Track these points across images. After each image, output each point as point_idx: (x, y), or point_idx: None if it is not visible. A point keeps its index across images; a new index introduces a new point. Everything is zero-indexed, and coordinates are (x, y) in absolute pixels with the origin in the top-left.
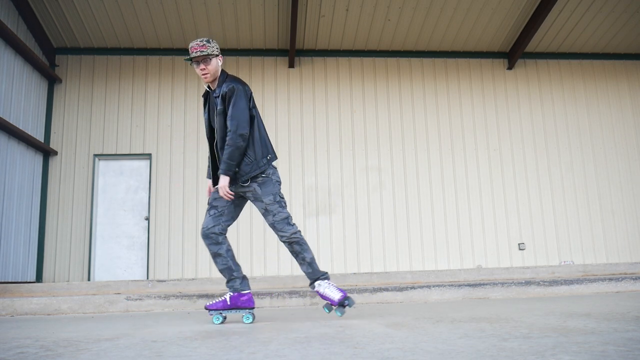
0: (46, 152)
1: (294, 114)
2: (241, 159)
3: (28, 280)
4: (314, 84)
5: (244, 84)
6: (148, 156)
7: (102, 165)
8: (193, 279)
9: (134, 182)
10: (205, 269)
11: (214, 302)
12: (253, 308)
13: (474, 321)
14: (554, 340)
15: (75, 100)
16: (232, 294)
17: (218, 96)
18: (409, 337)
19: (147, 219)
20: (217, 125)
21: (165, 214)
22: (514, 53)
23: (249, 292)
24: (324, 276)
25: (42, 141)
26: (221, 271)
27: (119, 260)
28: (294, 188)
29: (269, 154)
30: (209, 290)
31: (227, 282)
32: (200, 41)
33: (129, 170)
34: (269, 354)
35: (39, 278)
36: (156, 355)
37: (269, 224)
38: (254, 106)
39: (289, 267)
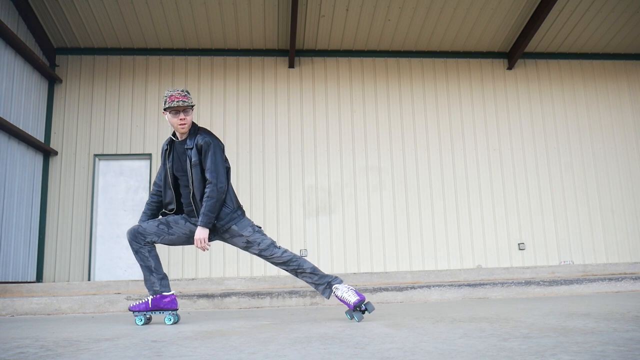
0: (46, 152)
1: (294, 114)
2: (220, 211)
3: (28, 280)
4: (314, 84)
5: (217, 138)
6: (148, 156)
7: (102, 165)
8: (193, 279)
9: (134, 182)
10: (205, 269)
11: (137, 303)
12: (176, 309)
13: (474, 321)
14: (553, 340)
15: (75, 100)
16: (153, 296)
17: (191, 148)
18: (409, 337)
19: None
20: (192, 177)
21: None
22: (514, 53)
23: (172, 294)
24: (337, 280)
25: (42, 141)
26: (141, 267)
27: (119, 260)
28: (294, 188)
29: (240, 205)
30: (208, 290)
31: (145, 281)
32: (182, 91)
33: (129, 170)
34: (269, 354)
35: (39, 278)
36: (156, 355)
37: (257, 254)
38: (226, 159)
39: None
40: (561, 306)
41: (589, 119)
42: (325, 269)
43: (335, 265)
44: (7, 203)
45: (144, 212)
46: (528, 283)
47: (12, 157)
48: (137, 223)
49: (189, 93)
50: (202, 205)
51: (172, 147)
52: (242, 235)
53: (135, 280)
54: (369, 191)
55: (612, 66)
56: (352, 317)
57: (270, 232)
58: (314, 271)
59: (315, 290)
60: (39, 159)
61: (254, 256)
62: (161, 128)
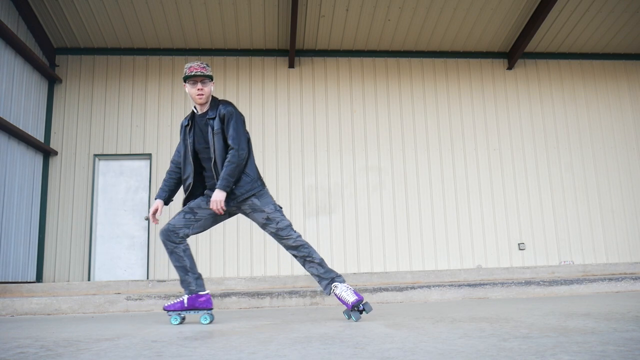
0: (46, 152)
1: (294, 114)
2: (239, 177)
3: (28, 280)
4: (314, 84)
5: (239, 110)
6: (148, 156)
7: (102, 165)
8: None
9: (134, 182)
10: (205, 269)
11: (172, 302)
12: (211, 309)
13: (474, 321)
14: (553, 340)
15: (75, 100)
16: (189, 295)
17: (214, 118)
18: (409, 337)
19: (147, 219)
20: (214, 145)
21: (165, 214)
22: (514, 53)
23: (207, 293)
24: (340, 278)
25: (42, 141)
26: (176, 268)
27: (119, 260)
28: (294, 188)
29: (261, 177)
30: (208, 290)
31: (181, 282)
32: (201, 63)
33: (129, 170)
34: (269, 354)
35: (39, 278)
36: (156, 355)
37: (272, 232)
38: (247, 131)
39: (289, 267)
40: (561, 306)
41: (589, 119)
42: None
43: (336, 265)
44: (7, 203)
45: (161, 188)
46: (528, 283)
47: (12, 157)
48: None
49: (208, 65)
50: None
51: (194, 122)
52: (264, 211)
53: (135, 281)
54: (369, 191)
55: (612, 66)
56: (349, 317)
57: None
58: (322, 263)
59: (318, 284)
60: (39, 159)
61: (254, 256)
62: (161, 128)
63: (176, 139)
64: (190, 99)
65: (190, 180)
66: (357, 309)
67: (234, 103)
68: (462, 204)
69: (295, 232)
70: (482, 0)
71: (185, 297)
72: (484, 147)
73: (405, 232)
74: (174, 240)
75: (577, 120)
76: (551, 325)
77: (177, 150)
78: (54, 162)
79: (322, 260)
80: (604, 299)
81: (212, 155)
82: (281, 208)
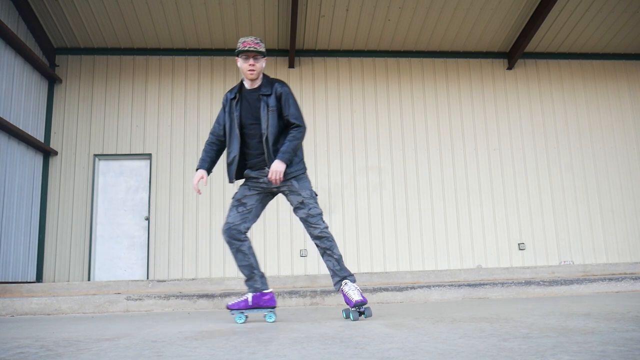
0: (46, 152)
1: None
2: (296, 152)
3: (28, 280)
4: (314, 84)
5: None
6: (148, 156)
7: (102, 165)
8: (193, 279)
9: (134, 182)
10: (205, 269)
11: (235, 301)
12: (275, 307)
13: (474, 321)
14: (553, 340)
15: (75, 100)
16: (253, 293)
17: (269, 94)
18: (409, 337)
19: (147, 219)
20: (268, 122)
21: (165, 214)
22: (514, 53)
23: (271, 292)
24: (351, 277)
25: (42, 141)
26: (241, 267)
27: (119, 260)
28: None
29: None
30: (208, 290)
31: (247, 280)
32: (255, 38)
33: (129, 170)
34: (269, 354)
35: (39, 278)
36: (156, 355)
37: (302, 217)
38: None
39: (289, 267)
40: (561, 306)
41: (589, 119)
42: (325, 269)
43: None
44: (7, 203)
45: (202, 159)
46: (528, 283)
47: (12, 157)
48: (225, 221)
49: (262, 42)
50: (275, 149)
51: (242, 96)
52: (300, 195)
53: (135, 281)
54: (369, 191)
55: (612, 66)
56: (347, 316)
57: (270, 232)
58: (340, 261)
59: (330, 278)
60: (39, 159)
61: None
62: (161, 128)
63: (176, 138)
64: (241, 73)
65: (235, 153)
66: (357, 309)
67: None
68: (462, 204)
69: (324, 222)
70: (482, 0)
71: (250, 296)
72: (484, 147)
73: (405, 232)
74: (239, 238)
75: (577, 120)
76: (551, 325)
77: (217, 122)
78: (54, 162)
79: (340, 257)
80: (604, 299)
81: (265, 132)
82: (317, 195)
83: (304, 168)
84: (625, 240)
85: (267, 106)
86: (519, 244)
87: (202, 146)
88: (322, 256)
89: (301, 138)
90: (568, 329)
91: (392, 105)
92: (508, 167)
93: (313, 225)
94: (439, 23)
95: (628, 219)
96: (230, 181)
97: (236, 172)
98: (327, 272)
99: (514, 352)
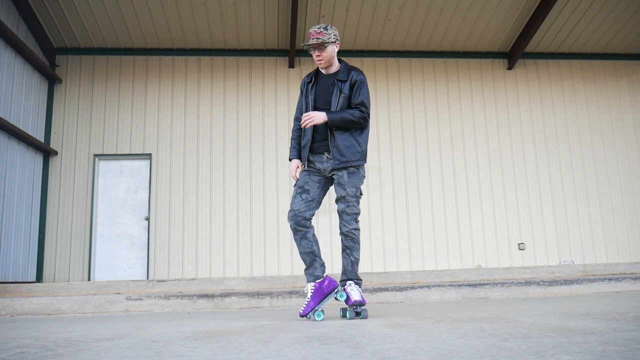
0: (46, 152)
1: (294, 114)
2: (349, 128)
3: (28, 280)
4: None
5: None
6: (148, 156)
7: (102, 165)
8: (193, 279)
9: (134, 182)
10: (205, 269)
11: (304, 306)
12: (338, 286)
13: (474, 321)
14: (553, 340)
15: (75, 100)
16: (313, 284)
17: (345, 80)
18: (409, 337)
19: (147, 219)
20: (337, 105)
21: (165, 214)
22: (514, 53)
23: (326, 276)
24: (359, 281)
25: (42, 141)
26: (304, 254)
27: (119, 260)
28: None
29: (366, 154)
30: (209, 290)
31: (307, 268)
32: (317, 28)
33: (129, 170)
34: (269, 354)
35: (39, 278)
36: (156, 355)
37: (339, 210)
38: None
39: (289, 267)
40: (561, 306)
41: (589, 119)
42: (326, 269)
43: (336, 265)
44: (7, 203)
45: (293, 147)
46: (528, 283)
47: (12, 157)
48: (293, 201)
49: (326, 29)
50: (338, 133)
51: (317, 80)
52: (345, 189)
53: (135, 281)
54: (369, 191)
55: (612, 66)
56: (343, 315)
57: (270, 232)
58: (355, 264)
59: (340, 275)
60: (39, 159)
61: (254, 256)
62: (161, 128)
63: (176, 138)
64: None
65: (309, 137)
66: (355, 308)
67: (235, 103)
68: (462, 203)
69: (356, 223)
70: (482, 0)
71: (310, 290)
72: (484, 147)
73: (405, 232)
74: (305, 225)
75: (577, 120)
76: (551, 325)
77: (298, 108)
78: (54, 162)
79: (357, 261)
80: (604, 299)
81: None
82: (361, 195)
83: (362, 160)
84: (625, 240)
85: (340, 91)
86: (519, 244)
87: (201, 146)
88: (342, 252)
89: (357, 117)
90: (568, 329)
91: (392, 105)
92: (508, 167)
93: (345, 223)
94: (439, 23)
95: (628, 219)
96: (304, 165)
97: (310, 151)
98: (326, 271)
99: (514, 352)
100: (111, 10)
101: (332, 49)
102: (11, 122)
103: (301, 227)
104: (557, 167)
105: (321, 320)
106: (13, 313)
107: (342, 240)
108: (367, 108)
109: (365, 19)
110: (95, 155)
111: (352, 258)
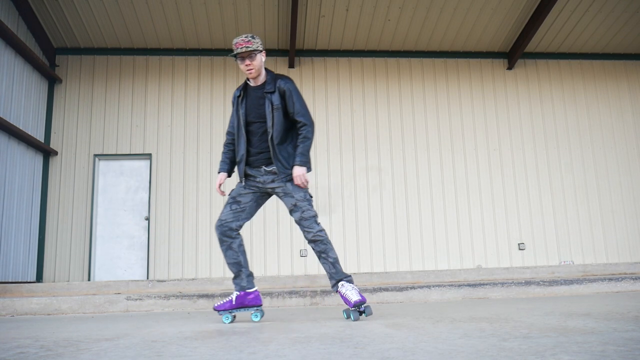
0: (46, 152)
1: None
2: (289, 157)
3: (28, 280)
4: (314, 84)
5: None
6: (148, 156)
7: (102, 165)
8: (193, 279)
9: (134, 182)
10: (205, 269)
11: (221, 302)
12: (260, 305)
13: (474, 321)
14: (553, 340)
15: (75, 100)
16: (238, 293)
17: (272, 92)
18: (409, 337)
19: (147, 219)
20: (273, 120)
21: (165, 214)
22: (514, 53)
23: (256, 290)
24: (348, 278)
25: (42, 141)
26: (230, 265)
27: (119, 260)
28: None
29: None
30: (209, 290)
31: (234, 278)
32: (245, 37)
33: (129, 170)
34: (269, 354)
35: (39, 278)
36: (156, 355)
37: (296, 220)
38: None
39: (289, 267)
40: (561, 306)
41: (589, 119)
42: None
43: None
44: (7, 203)
45: (222, 161)
46: (528, 283)
47: (12, 157)
48: (219, 216)
49: (254, 38)
50: (281, 148)
51: (246, 93)
52: (293, 197)
53: (135, 281)
54: (369, 191)
55: (612, 66)
56: (348, 316)
57: (270, 233)
58: (335, 263)
59: (329, 281)
60: (39, 159)
61: (254, 256)
62: (161, 128)
63: (176, 138)
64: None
65: (243, 152)
66: (357, 309)
67: None
68: (462, 203)
69: (317, 225)
70: (482, 0)
71: (234, 295)
72: (484, 147)
73: (405, 232)
74: (230, 235)
75: (577, 120)
76: (551, 325)
77: (230, 121)
78: (54, 162)
79: (336, 259)
80: (604, 299)
81: (270, 130)
82: (312, 197)
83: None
84: (625, 240)
85: (272, 104)
86: (519, 244)
87: (201, 146)
88: (319, 259)
89: (311, 136)
90: (568, 329)
91: (392, 105)
92: (508, 167)
93: (306, 229)
94: (439, 23)
95: (628, 219)
96: (241, 180)
97: (244, 166)
98: None
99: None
100: (111, 10)
101: (261, 58)
102: (11, 122)
103: (226, 237)
104: (557, 167)
105: (229, 322)
106: (13, 313)
107: (312, 248)
108: (307, 115)
109: (365, 19)
110: (95, 155)
111: (330, 260)
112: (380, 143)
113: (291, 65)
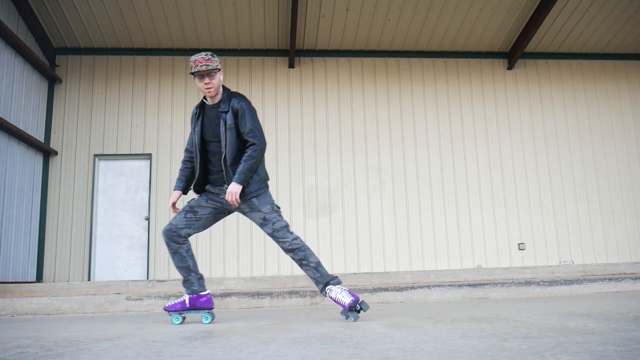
0: (46, 152)
1: (294, 114)
2: (255, 171)
3: (28, 280)
4: (314, 84)
5: (251, 103)
6: (148, 156)
7: (102, 165)
8: None
9: (134, 182)
10: (205, 269)
11: (172, 303)
12: (212, 308)
13: (474, 321)
14: (553, 340)
15: (75, 100)
16: (190, 295)
17: (226, 111)
18: (409, 337)
19: (147, 219)
20: (226, 140)
21: (165, 214)
22: (514, 53)
23: (208, 293)
24: (335, 280)
25: (42, 141)
26: (178, 268)
27: (119, 260)
28: (294, 188)
29: (268, 177)
30: (208, 290)
31: (184, 281)
32: (205, 55)
33: (129, 170)
34: (269, 354)
35: (39, 278)
36: (156, 355)
37: (269, 233)
38: None
39: (289, 267)
40: (561, 306)
41: (589, 119)
42: (326, 269)
43: (335, 265)
44: (7, 203)
45: (178, 179)
46: (528, 283)
47: (12, 157)
48: (169, 221)
49: (213, 56)
50: (234, 169)
51: (203, 111)
52: (261, 211)
53: (135, 280)
54: (369, 191)
55: (612, 66)
56: (347, 317)
57: None
58: (318, 267)
59: (316, 286)
60: (39, 159)
61: (254, 256)
62: (161, 128)
63: (176, 138)
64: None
65: (197, 170)
66: (354, 309)
67: None
68: (462, 203)
69: (291, 234)
70: (482, 0)
71: (187, 297)
72: (484, 147)
73: (405, 232)
74: (177, 241)
75: (577, 120)
76: (551, 325)
77: (190, 139)
78: (54, 162)
79: (318, 263)
80: (604, 299)
81: (223, 150)
82: (279, 208)
83: (265, 187)
84: (625, 240)
85: (225, 124)
86: (519, 244)
87: None
88: (300, 267)
89: (257, 156)
90: (568, 329)
91: (392, 105)
92: (508, 167)
93: (281, 240)
94: (439, 23)
95: (628, 219)
96: (201, 194)
97: (199, 186)
98: None
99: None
100: (111, 10)
101: (219, 77)
102: (11, 122)
103: (173, 242)
104: (557, 167)
105: (178, 323)
106: (13, 313)
107: (292, 258)
108: (259, 132)
109: (365, 19)
110: (95, 155)
111: (312, 265)
112: (380, 143)
113: (291, 65)
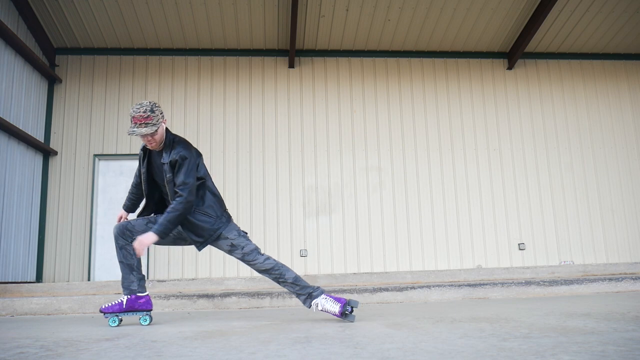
0: (46, 152)
1: (294, 114)
2: (196, 223)
3: (28, 280)
4: (314, 84)
5: (193, 149)
6: None
7: (102, 165)
8: (193, 279)
9: None
10: (205, 269)
11: (109, 304)
12: (151, 310)
13: (474, 321)
14: (553, 340)
15: (75, 100)
16: (128, 296)
17: (166, 163)
18: (409, 337)
19: None
20: (169, 192)
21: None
22: (514, 53)
23: (147, 295)
24: (317, 292)
25: (42, 141)
26: (121, 264)
27: None
28: (294, 188)
29: (225, 208)
30: (208, 290)
31: (123, 280)
32: (143, 112)
33: (129, 170)
34: (269, 354)
35: (39, 278)
36: (156, 355)
37: (240, 259)
38: (204, 166)
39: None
40: (561, 306)
41: (589, 119)
42: (325, 269)
43: (335, 265)
44: (7, 203)
45: (128, 199)
46: (528, 283)
47: (12, 157)
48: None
49: (152, 111)
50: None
51: (150, 154)
52: (227, 238)
53: None
54: (369, 191)
55: (612, 66)
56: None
57: (270, 233)
58: (296, 281)
59: (298, 299)
60: (39, 159)
61: None
62: None
63: None
64: None
65: (144, 205)
66: (347, 313)
67: (234, 103)
68: (462, 203)
69: (261, 255)
70: (482, 0)
71: (125, 298)
72: (484, 147)
73: (405, 232)
74: (126, 238)
75: (577, 120)
76: (551, 325)
77: (137, 173)
78: (54, 162)
79: (296, 277)
80: (604, 299)
81: (166, 197)
82: (245, 233)
83: (220, 223)
84: (625, 240)
85: (166, 176)
86: (519, 244)
87: (201, 146)
88: (279, 285)
89: (181, 209)
90: (568, 329)
91: (392, 105)
92: (508, 167)
93: (252, 263)
94: (439, 23)
95: (628, 219)
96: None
97: (147, 213)
98: (327, 271)
99: (514, 352)
100: (111, 10)
101: (162, 130)
102: (11, 122)
103: (123, 238)
104: (557, 167)
105: (115, 326)
106: (13, 313)
107: (268, 277)
108: (188, 186)
109: (365, 19)
110: (95, 155)
111: (289, 281)
112: (380, 143)
113: (291, 65)
